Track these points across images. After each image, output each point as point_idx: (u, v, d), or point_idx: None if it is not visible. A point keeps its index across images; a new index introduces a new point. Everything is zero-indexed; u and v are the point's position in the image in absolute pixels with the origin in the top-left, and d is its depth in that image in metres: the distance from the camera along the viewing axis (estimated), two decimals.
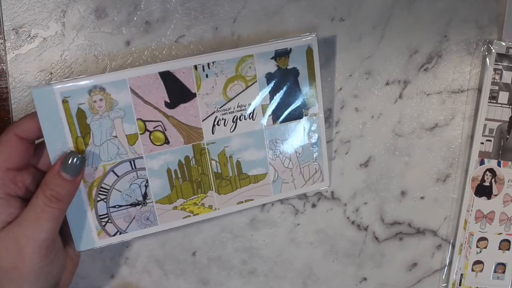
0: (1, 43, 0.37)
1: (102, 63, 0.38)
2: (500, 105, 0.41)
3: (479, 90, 0.41)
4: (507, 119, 0.41)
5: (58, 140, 0.33)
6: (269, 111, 0.37)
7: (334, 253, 0.43)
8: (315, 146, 0.38)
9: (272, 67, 0.36)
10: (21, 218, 0.31)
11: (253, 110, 0.36)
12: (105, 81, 0.33)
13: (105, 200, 0.35)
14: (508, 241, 0.43)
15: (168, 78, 0.34)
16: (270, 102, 0.37)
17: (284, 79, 0.36)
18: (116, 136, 0.34)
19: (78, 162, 0.32)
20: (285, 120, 0.37)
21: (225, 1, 0.38)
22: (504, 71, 0.40)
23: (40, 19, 0.37)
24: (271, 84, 0.36)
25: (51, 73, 0.37)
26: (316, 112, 0.38)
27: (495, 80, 0.40)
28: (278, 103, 0.37)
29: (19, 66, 0.37)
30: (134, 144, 0.35)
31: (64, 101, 0.33)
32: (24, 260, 0.31)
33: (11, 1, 0.36)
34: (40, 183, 0.32)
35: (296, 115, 0.37)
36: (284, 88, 0.37)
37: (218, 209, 0.38)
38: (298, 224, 0.42)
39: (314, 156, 0.39)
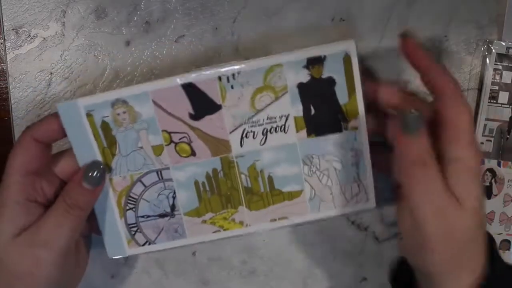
0: (1, 43, 0.37)
1: (102, 63, 0.38)
2: (500, 105, 0.41)
3: (479, 90, 0.41)
4: (507, 119, 0.41)
5: (86, 151, 0.34)
6: (303, 123, 0.34)
7: (334, 253, 0.43)
8: (356, 163, 0.35)
9: (304, 76, 0.33)
10: (39, 224, 0.31)
11: (285, 122, 0.34)
12: (127, 94, 0.33)
13: (133, 209, 0.36)
14: (508, 241, 0.43)
15: (191, 90, 0.33)
16: (304, 114, 0.34)
17: (319, 89, 0.33)
18: (142, 147, 0.34)
19: (98, 174, 0.33)
20: (321, 134, 0.34)
21: (225, 1, 0.38)
22: (504, 71, 0.40)
23: (40, 19, 0.37)
24: (304, 95, 0.33)
25: (51, 73, 0.37)
26: (358, 125, 0.34)
27: (495, 80, 0.40)
28: (313, 115, 0.34)
29: (19, 66, 0.37)
30: (160, 155, 0.34)
31: (89, 115, 0.33)
32: (39, 267, 0.31)
33: (11, 1, 0.36)
34: (58, 191, 0.33)
35: (334, 128, 0.34)
36: (319, 99, 0.33)
37: (250, 225, 0.36)
38: (298, 224, 0.42)
39: (356, 173, 0.35)
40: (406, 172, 0.30)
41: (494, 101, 0.41)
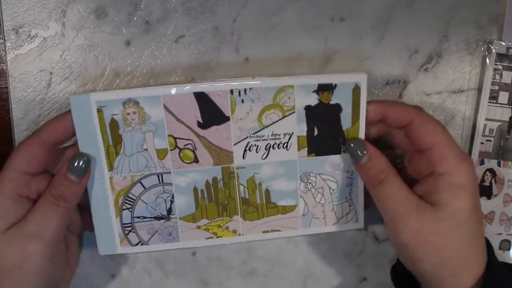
0: (1, 43, 0.37)
1: (102, 63, 0.38)
2: (500, 105, 0.41)
3: (479, 90, 0.41)
4: (507, 119, 0.41)
5: (91, 146, 0.34)
6: (305, 142, 0.35)
7: (334, 253, 0.43)
8: (350, 184, 0.37)
9: (313, 100, 0.34)
10: (27, 217, 0.32)
11: (288, 140, 0.35)
12: (140, 95, 0.33)
13: (130, 209, 0.36)
14: (508, 241, 0.43)
15: (202, 99, 0.34)
16: (307, 134, 0.35)
17: (325, 114, 0.35)
18: (146, 149, 0.35)
19: (83, 165, 0.33)
20: (321, 154, 0.36)
21: (225, 1, 0.38)
22: (504, 71, 0.40)
23: (40, 19, 0.37)
24: (310, 117, 0.35)
25: (51, 73, 0.37)
26: None
27: (495, 80, 0.40)
28: (315, 136, 0.35)
29: (19, 66, 0.37)
30: (163, 159, 0.35)
31: (99, 110, 0.33)
32: (28, 259, 0.31)
33: (11, 1, 0.36)
34: None
35: (334, 150, 0.36)
36: (324, 123, 0.35)
37: (242, 235, 0.37)
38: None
39: (349, 194, 0.37)
40: (371, 192, 0.34)
41: (494, 101, 0.41)
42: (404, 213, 0.31)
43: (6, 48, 0.37)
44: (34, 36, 0.37)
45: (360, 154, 0.33)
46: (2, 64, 0.37)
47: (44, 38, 0.37)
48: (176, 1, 0.37)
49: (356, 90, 0.34)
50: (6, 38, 0.37)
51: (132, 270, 0.41)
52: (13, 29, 0.37)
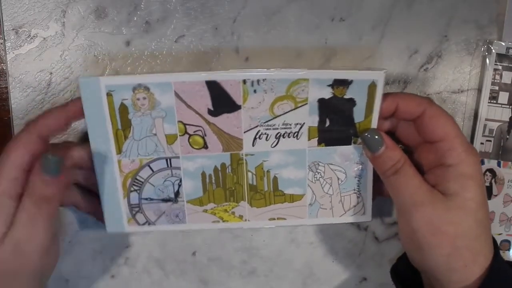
0: (1, 43, 0.37)
1: (102, 63, 0.38)
2: (500, 105, 0.41)
3: (479, 90, 0.41)
4: (507, 119, 0.41)
5: (99, 129, 0.34)
6: (316, 133, 0.35)
7: (334, 253, 0.43)
8: (359, 175, 0.37)
9: (327, 93, 0.34)
10: (15, 222, 0.31)
11: (299, 130, 0.35)
12: (151, 81, 0.33)
13: (138, 191, 0.36)
14: (508, 241, 0.43)
15: (214, 87, 0.33)
16: (318, 125, 0.35)
17: (338, 107, 0.34)
18: (155, 134, 0.35)
19: (54, 164, 0.31)
20: (331, 144, 0.36)
21: (225, 1, 0.38)
22: (504, 71, 0.40)
23: (40, 19, 0.37)
24: (323, 109, 0.34)
25: (51, 73, 0.37)
26: None
27: (495, 80, 0.40)
28: (327, 127, 0.35)
29: (19, 66, 0.37)
30: (172, 144, 0.35)
31: (108, 94, 0.33)
32: (24, 261, 0.31)
33: (11, 1, 0.36)
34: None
35: (344, 141, 0.36)
36: (336, 115, 0.35)
37: (248, 220, 0.37)
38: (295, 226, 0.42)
39: (357, 186, 0.37)
40: (384, 181, 0.34)
41: (494, 101, 0.41)
42: (417, 201, 0.31)
43: (6, 48, 0.37)
44: (34, 36, 0.37)
45: (377, 145, 0.33)
46: (2, 64, 0.37)
47: (44, 38, 0.37)
48: (176, 1, 0.37)
49: (372, 86, 0.34)
50: (6, 38, 0.37)
51: (132, 270, 0.41)
52: (13, 29, 0.37)
